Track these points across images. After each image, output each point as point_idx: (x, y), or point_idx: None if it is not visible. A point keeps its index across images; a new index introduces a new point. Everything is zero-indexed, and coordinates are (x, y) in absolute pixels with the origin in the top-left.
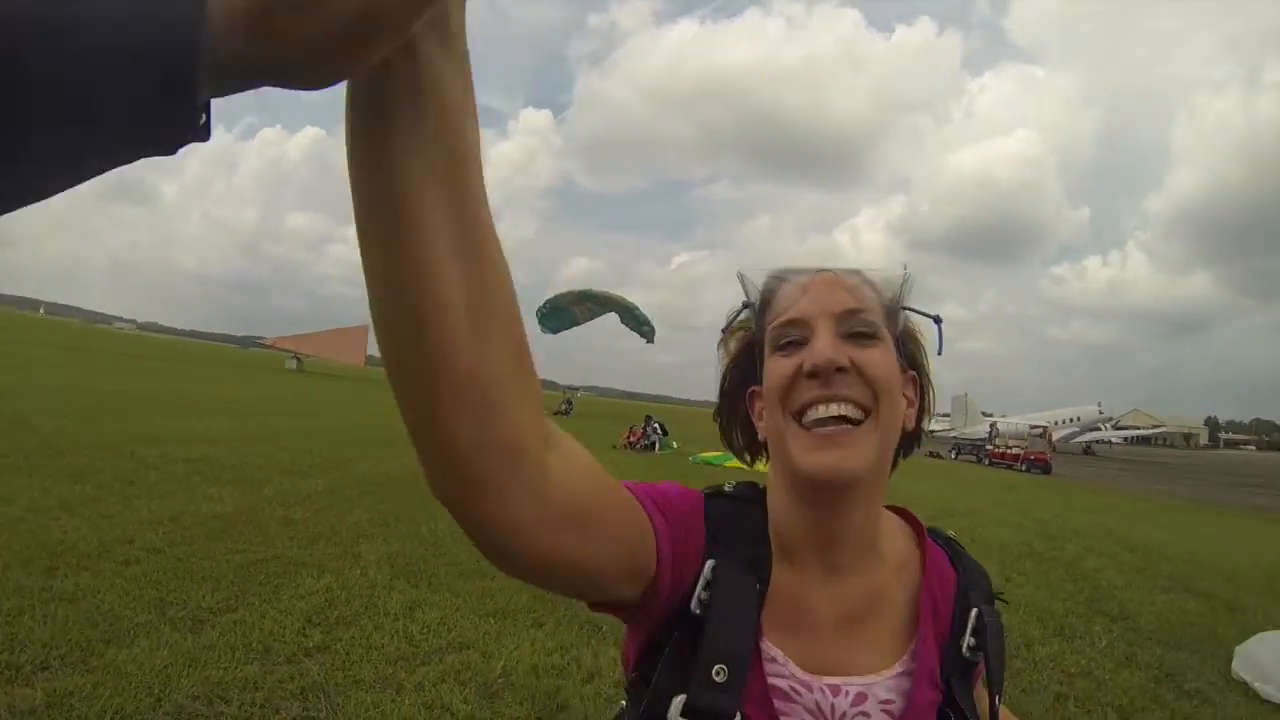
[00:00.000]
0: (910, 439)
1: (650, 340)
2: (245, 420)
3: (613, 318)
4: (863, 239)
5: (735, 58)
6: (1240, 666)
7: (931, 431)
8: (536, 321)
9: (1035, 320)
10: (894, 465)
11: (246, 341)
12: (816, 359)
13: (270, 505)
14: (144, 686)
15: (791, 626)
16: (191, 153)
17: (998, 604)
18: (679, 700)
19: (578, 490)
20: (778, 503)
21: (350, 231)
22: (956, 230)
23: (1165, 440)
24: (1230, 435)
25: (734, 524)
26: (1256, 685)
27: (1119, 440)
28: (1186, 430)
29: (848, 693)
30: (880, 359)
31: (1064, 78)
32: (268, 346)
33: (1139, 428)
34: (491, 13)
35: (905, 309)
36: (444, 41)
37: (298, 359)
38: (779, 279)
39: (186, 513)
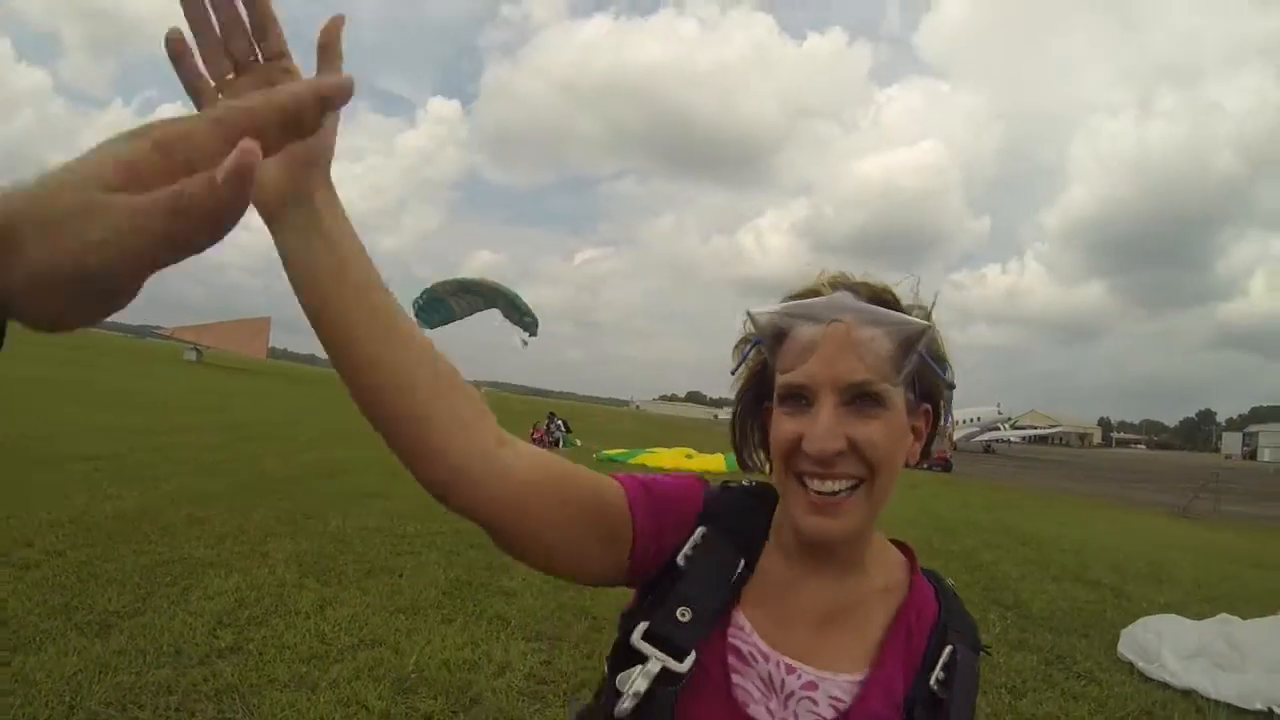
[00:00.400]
0: (910, 460)
1: (532, 334)
2: (145, 414)
3: (494, 315)
4: (767, 241)
5: (647, 56)
6: (1125, 648)
7: None
8: (412, 314)
9: (936, 324)
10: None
11: (143, 331)
12: (814, 446)
13: (174, 504)
14: (55, 694)
15: (768, 606)
16: (87, 125)
17: (981, 656)
18: (642, 626)
19: (538, 470)
20: (786, 513)
21: (251, 218)
22: (860, 234)
23: (1062, 439)
24: (1122, 435)
25: (735, 508)
26: (1140, 665)
27: (1018, 439)
28: (1081, 430)
29: (801, 676)
30: (880, 435)
31: (969, 94)
32: (166, 336)
33: (1037, 427)
34: (403, 1)
35: (921, 357)
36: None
37: (197, 350)
38: (792, 316)
39: (87, 513)
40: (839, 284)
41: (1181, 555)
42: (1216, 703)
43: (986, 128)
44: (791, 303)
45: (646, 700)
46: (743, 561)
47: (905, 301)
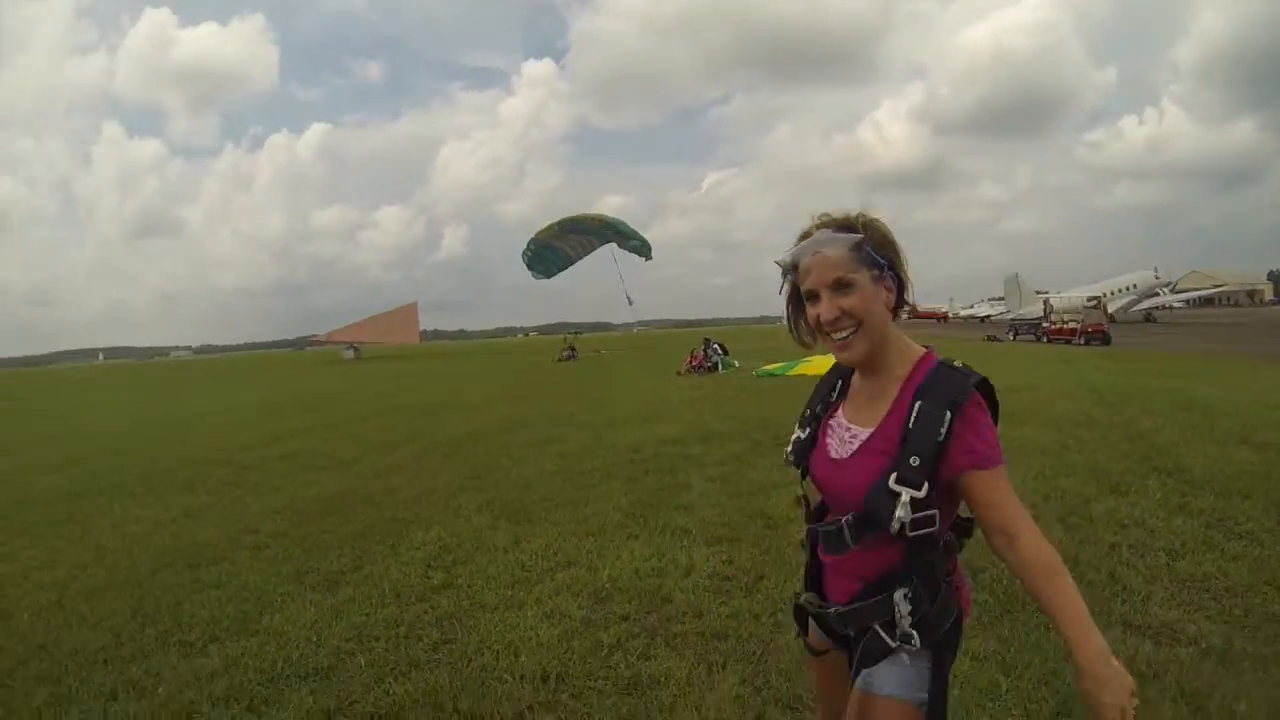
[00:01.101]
0: (895, 309)
1: (647, 256)
2: (321, 413)
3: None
4: (887, 132)
5: None
6: None
7: (987, 317)
8: (527, 269)
9: (1078, 190)
10: (895, 318)
11: (300, 343)
12: (824, 317)
13: (367, 479)
14: (302, 638)
15: (850, 401)
16: (206, 174)
17: (969, 400)
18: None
19: None
20: None
21: (379, 215)
22: (981, 109)
23: (1229, 300)
24: None
25: (839, 367)
26: None
27: (1180, 304)
28: (1250, 287)
29: (850, 429)
30: (855, 301)
31: None
32: (321, 343)
33: (1199, 289)
34: None
35: (867, 249)
36: None
37: (354, 348)
38: (795, 256)
39: (295, 500)
40: (818, 224)
41: None
42: None
43: None
44: (794, 246)
45: (793, 452)
46: (840, 381)
47: (860, 216)
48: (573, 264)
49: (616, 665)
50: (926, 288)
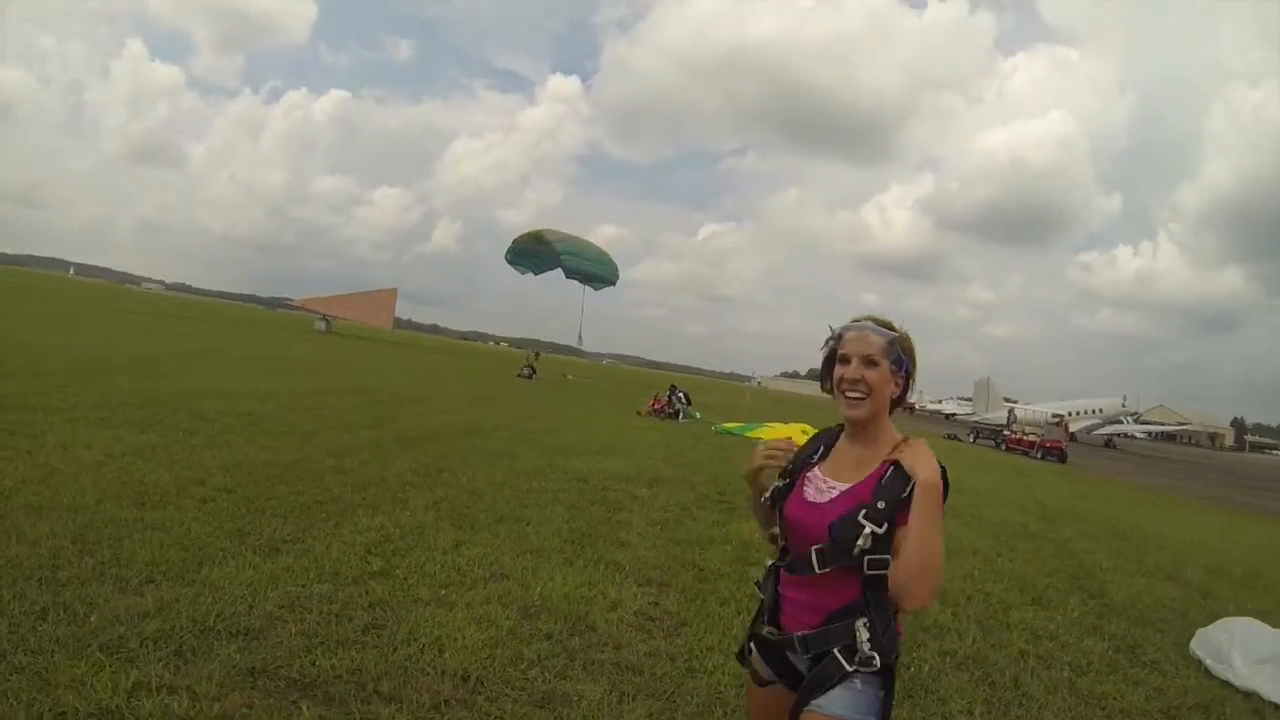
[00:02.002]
0: (896, 403)
1: (599, 286)
2: (286, 378)
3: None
4: (890, 216)
5: (765, 28)
6: (1198, 645)
7: (952, 415)
8: (511, 265)
9: (1062, 306)
10: (890, 412)
11: (273, 303)
12: (848, 376)
13: (321, 455)
14: (237, 597)
15: (832, 460)
16: (219, 114)
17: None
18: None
19: None
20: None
21: (377, 195)
22: (985, 211)
23: (1190, 439)
24: (1258, 439)
25: (827, 430)
26: (1209, 663)
27: (1142, 435)
28: (1212, 430)
29: (829, 482)
30: (874, 376)
31: (1098, 61)
32: (296, 308)
33: (1163, 424)
34: None
35: (897, 347)
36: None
37: (326, 320)
38: (844, 329)
39: (247, 460)
40: (869, 318)
41: None
42: (1276, 706)
43: (1117, 98)
44: (848, 323)
45: (771, 497)
46: (823, 447)
47: (899, 328)
48: (551, 269)
49: (534, 679)
50: None
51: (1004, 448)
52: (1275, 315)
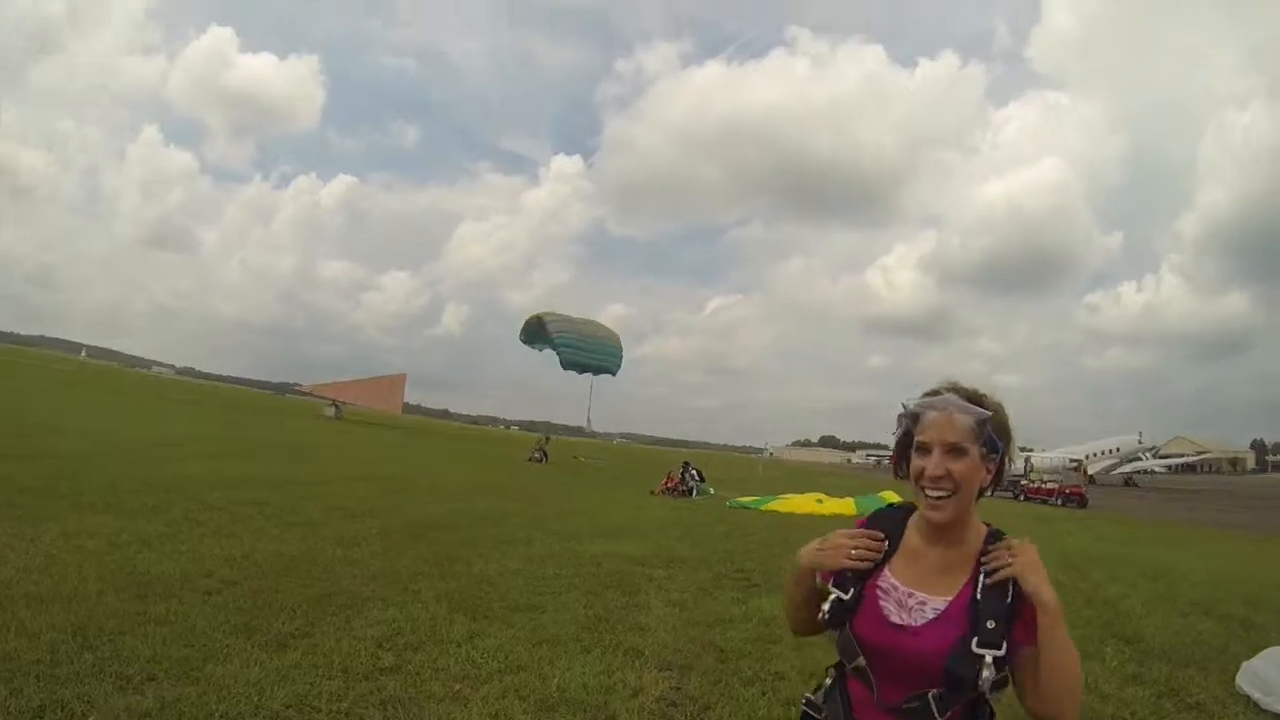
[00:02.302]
0: (984, 491)
1: (606, 373)
2: (295, 466)
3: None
4: (894, 277)
5: (762, 98)
6: (1244, 680)
7: None
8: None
9: (1070, 350)
10: (977, 500)
11: (282, 388)
12: (930, 472)
13: (330, 546)
14: (242, 696)
15: (906, 563)
16: (230, 199)
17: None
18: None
19: None
20: (919, 514)
21: (385, 279)
22: (988, 262)
23: (1211, 467)
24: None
25: (885, 515)
26: (1257, 697)
27: (1161, 469)
28: (1232, 455)
29: (916, 596)
30: (961, 469)
31: (1088, 103)
32: (305, 394)
33: (1182, 455)
34: (520, 63)
35: (989, 429)
36: None
37: (336, 406)
38: (921, 408)
39: (255, 551)
40: (950, 388)
41: None
42: None
43: (1109, 137)
44: (924, 398)
45: (831, 612)
46: (885, 538)
47: (989, 398)
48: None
49: None
50: None
51: (1023, 498)
52: None
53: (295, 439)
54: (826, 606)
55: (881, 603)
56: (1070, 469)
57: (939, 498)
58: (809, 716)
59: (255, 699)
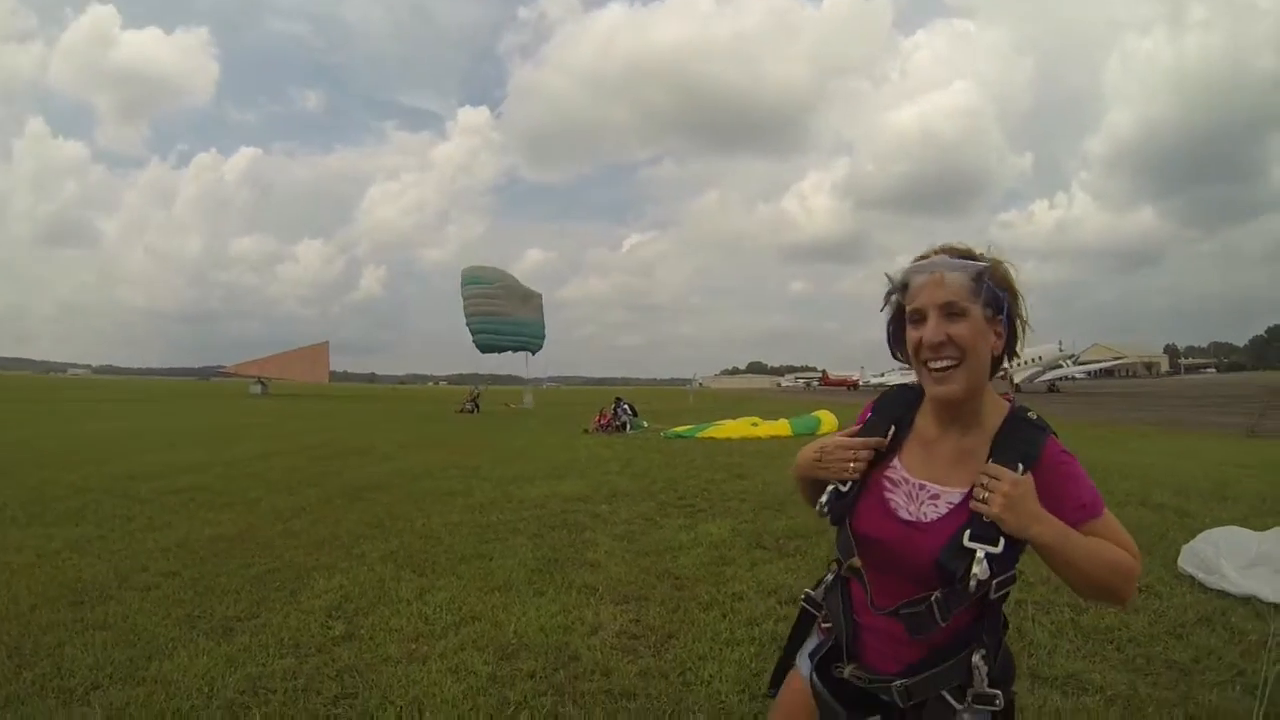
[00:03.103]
0: (999, 360)
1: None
2: (224, 448)
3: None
4: (811, 203)
5: (667, 36)
6: (1185, 562)
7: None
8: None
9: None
10: (992, 374)
11: (206, 372)
12: (928, 340)
13: (268, 521)
14: (193, 688)
15: (918, 451)
16: (128, 186)
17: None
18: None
19: None
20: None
21: (298, 249)
22: (903, 185)
23: (1128, 371)
24: (1190, 360)
25: (890, 396)
26: (1200, 576)
27: (1082, 375)
28: (1148, 360)
29: (929, 489)
30: (965, 330)
31: (995, 29)
32: (229, 374)
33: (1101, 361)
34: (419, 18)
35: (987, 285)
36: None
37: (262, 383)
38: (908, 274)
39: (191, 538)
40: (941, 250)
41: (1246, 473)
42: (1275, 606)
43: (1017, 61)
44: (911, 263)
45: (829, 505)
46: (893, 427)
47: (986, 254)
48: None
49: None
50: (840, 356)
51: None
52: (1190, 246)
53: (221, 421)
54: (824, 499)
55: (889, 495)
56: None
57: (944, 368)
58: (808, 613)
59: (206, 690)
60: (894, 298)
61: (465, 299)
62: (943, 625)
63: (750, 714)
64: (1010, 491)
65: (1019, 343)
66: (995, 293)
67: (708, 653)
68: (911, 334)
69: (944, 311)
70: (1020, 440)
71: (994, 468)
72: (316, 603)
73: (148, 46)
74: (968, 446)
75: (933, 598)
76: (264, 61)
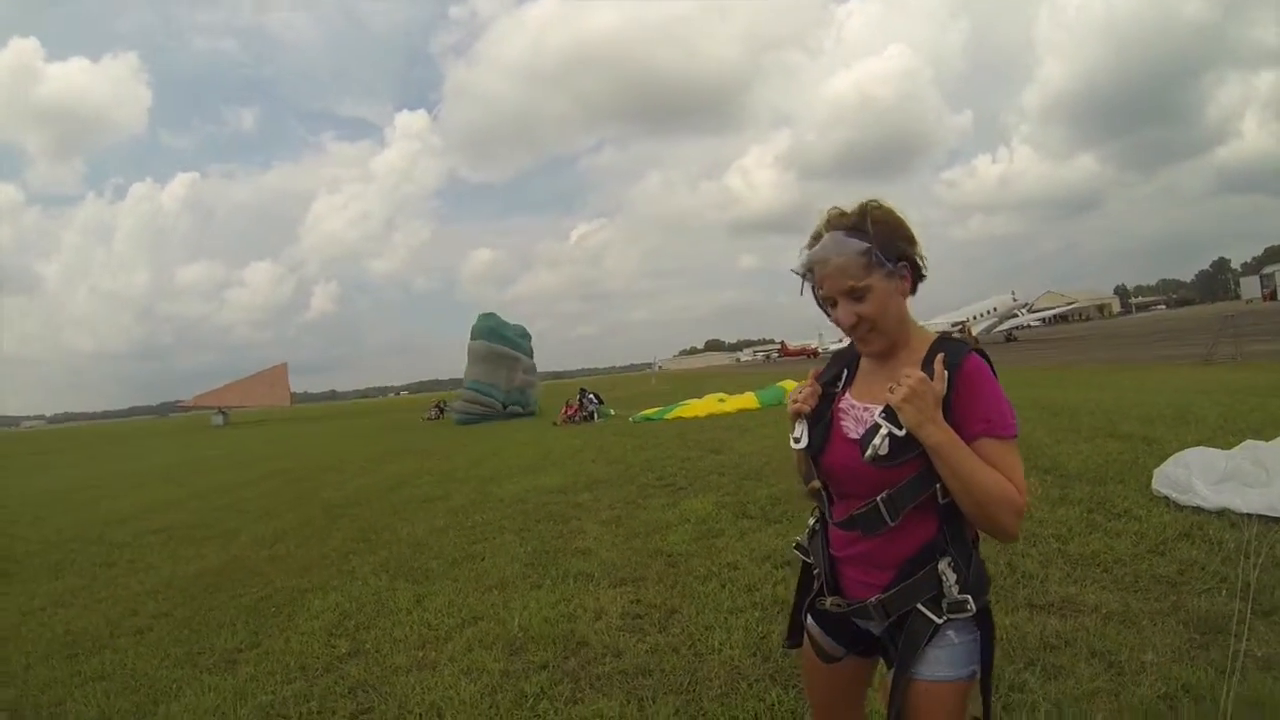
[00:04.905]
0: (911, 293)
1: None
2: (194, 482)
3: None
4: (754, 178)
5: (601, 24)
6: (1160, 484)
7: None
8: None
9: (936, 224)
10: (913, 292)
11: (164, 409)
12: (841, 324)
13: (252, 549)
14: None
15: (862, 383)
16: (65, 226)
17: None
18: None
19: None
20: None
21: (246, 273)
22: (846, 153)
23: (1081, 315)
24: (1140, 299)
25: (838, 353)
26: (1175, 495)
27: (1037, 323)
28: (1100, 301)
29: (871, 410)
30: (871, 306)
31: None
32: (188, 408)
33: (1054, 308)
34: (348, 25)
35: (875, 253)
36: None
37: (223, 413)
38: (810, 261)
39: (176, 576)
40: (829, 221)
41: (1206, 398)
42: (1248, 516)
43: (950, 22)
44: (807, 251)
45: (799, 439)
46: (845, 370)
47: (872, 208)
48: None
49: (545, 714)
50: (796, 327)
51: None
52: (1130, 189)
53: (186, 456)
54: (795, 433)
55: (842, 423)
56: (955, 332)
57: (864, 338)
58: (803, 563)
59: None
60: (808, 280)
61: (468, 369)
62: (891, 524)
63: (766, 674)
64: (916, 387)
65: (924, 268)
66: (884, 260)
67: (713, 622)
68: (833, 316)
69: (849, 296)
70: (947, 353)
71: (910, 369)
72: (315, 623)
73: (75, 77)
74: (896, 371)
75: (878, 498)
76: (194, 81)
